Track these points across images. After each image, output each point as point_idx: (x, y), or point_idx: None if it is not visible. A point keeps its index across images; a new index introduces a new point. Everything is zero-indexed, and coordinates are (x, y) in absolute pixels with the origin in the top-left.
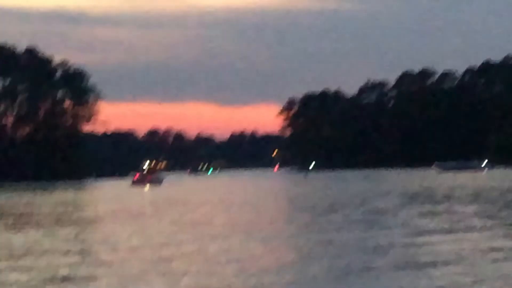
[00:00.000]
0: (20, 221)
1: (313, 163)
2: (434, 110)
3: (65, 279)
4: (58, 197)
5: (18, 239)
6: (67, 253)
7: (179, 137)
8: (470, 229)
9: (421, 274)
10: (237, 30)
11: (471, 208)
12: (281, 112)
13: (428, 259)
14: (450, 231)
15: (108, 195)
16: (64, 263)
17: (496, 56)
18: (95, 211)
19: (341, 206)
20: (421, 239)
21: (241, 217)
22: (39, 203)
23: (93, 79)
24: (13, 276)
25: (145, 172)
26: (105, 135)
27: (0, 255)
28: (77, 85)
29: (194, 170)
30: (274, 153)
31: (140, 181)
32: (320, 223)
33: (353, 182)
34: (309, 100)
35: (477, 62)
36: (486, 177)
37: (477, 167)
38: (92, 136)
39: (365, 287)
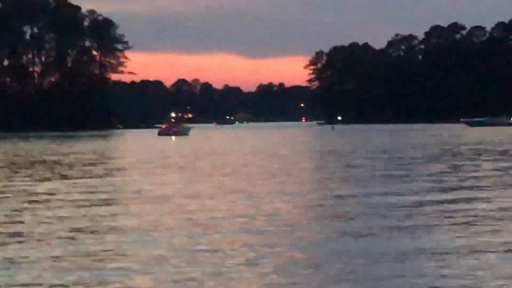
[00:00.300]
0: (50, 170)
1: (340, 116)
2: (463, 64)
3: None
4: (85, 147)
5: (47, 187)
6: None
7: (206, 88)
8: (497, 186)
9: (447, 233)
10: None
11: (499, 164)
12: (309, 64)
13: (458, 218)
14: (478, 188)
15: (134, 145)
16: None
17: None
18: (122, 162)
19: (370, 158)
20: (446, 196)
21: (267, 167)
22: (67, 152)
23: (121, 29)
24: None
25: (171, 122)
26: (132, 85)
27: (34, 204)
28: (104, 34)
29: (220, 121)
30: (301, 105)
31: (167, 132)
32: (342, 177)
33: (381, 136)
34: (336, 53)
35: (505, 19)
36: None
37: (505, 123)
38: (119, 85)
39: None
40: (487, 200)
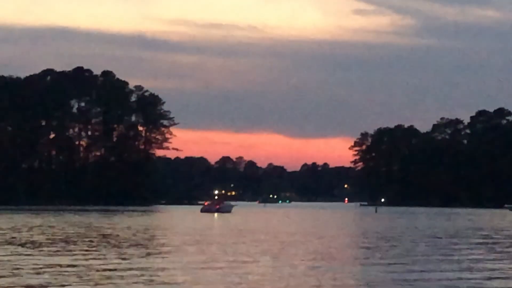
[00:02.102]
0: (101, 243)
1: (383, 198)
2: (509, 150)
3: None
4: (129, 222)
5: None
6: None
7: (250, 166)
8: None
9: None
10: (310, 62)
11: None
12: (354, 145)
13: None
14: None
15: (178, 222)
16: None
17: None
18: (167, 239)
19: (422, 242)
20: (489, 283)
21: (307, 251)
22: (114, 227)
23: (167, 105)
24: None
25: (214, 199)
26: (176, 161)
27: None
28: (151, 110)
29: (264, 199)
30: (345, 186)
31: (209, 209)
32: (385, 257)
33: (427, 219)
34: (382, 135)
35: None
36: None
37: None
38: (164, 161)
39: None
40: None
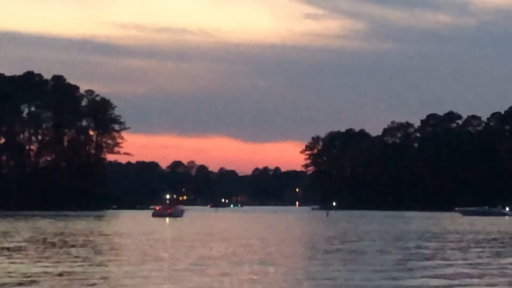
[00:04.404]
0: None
1: (335, 202)
2: (459, 153)
3: None
4: (80, 227)
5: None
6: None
7: (202, 170)
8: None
9: None
10: (262, 66)
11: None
12: (305, 149)
13: None
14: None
15: (128, 226)
16: None
17: None
18: (116, 242)
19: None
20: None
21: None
22: (63, 232)
23: (118, 110)
24: None
25: (166, 204)
26: (128, 165)
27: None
28: (102, 114)
29: (216, 204)
30: (297, 190)
31: (161, 213)
32: (334, 261)
33: (378, 223)
34: (333, 139)
35: (501, 108)
36: (509, 222)
37: (498, 213)
38: (115, 166)
39: None
40: None
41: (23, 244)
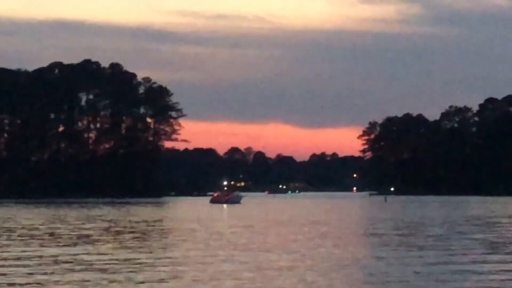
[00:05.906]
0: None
1: (393, 187)
2: None
3: None
4: (140, 214)
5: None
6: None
7: (259, 157)
8: None
9: None
10: (318, 52)
11: None
12: (362, 135)
13: None
14: None
15: (187, 213)
16: None
17: None
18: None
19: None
20: None
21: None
22: (127, 219)
23: (175, 97)
24: None
25: (224, 190)
26: (185, 152)
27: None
28: (159, 102)
29: (273, 190)
30: (354, 175)
31: (218, 200)
32: (396, 248)
33: (438, 208)
34: (390, 124)
35: None
36: None
37: None
38: (172, 153)
39: None
40: None
41: (103, 232)
